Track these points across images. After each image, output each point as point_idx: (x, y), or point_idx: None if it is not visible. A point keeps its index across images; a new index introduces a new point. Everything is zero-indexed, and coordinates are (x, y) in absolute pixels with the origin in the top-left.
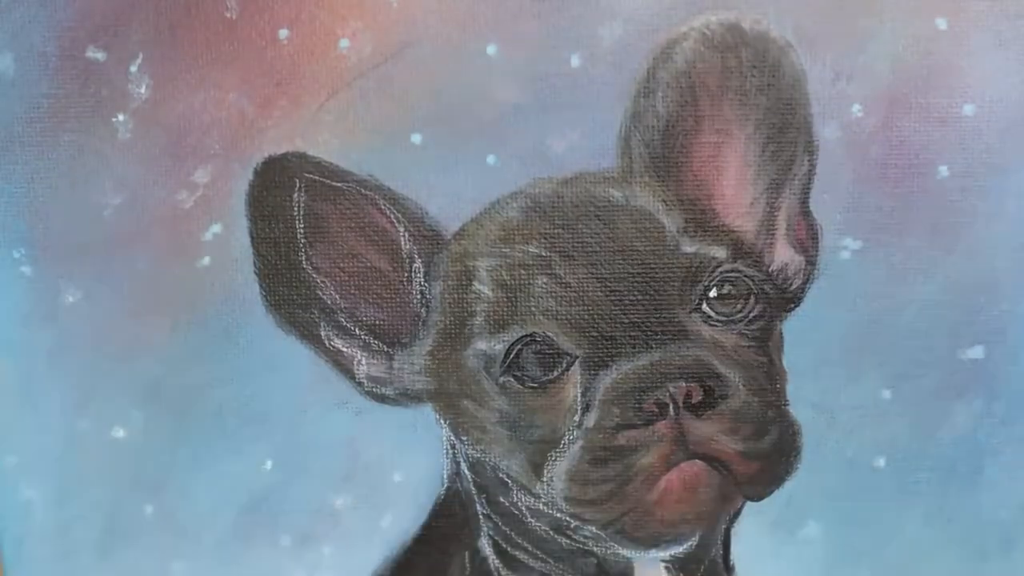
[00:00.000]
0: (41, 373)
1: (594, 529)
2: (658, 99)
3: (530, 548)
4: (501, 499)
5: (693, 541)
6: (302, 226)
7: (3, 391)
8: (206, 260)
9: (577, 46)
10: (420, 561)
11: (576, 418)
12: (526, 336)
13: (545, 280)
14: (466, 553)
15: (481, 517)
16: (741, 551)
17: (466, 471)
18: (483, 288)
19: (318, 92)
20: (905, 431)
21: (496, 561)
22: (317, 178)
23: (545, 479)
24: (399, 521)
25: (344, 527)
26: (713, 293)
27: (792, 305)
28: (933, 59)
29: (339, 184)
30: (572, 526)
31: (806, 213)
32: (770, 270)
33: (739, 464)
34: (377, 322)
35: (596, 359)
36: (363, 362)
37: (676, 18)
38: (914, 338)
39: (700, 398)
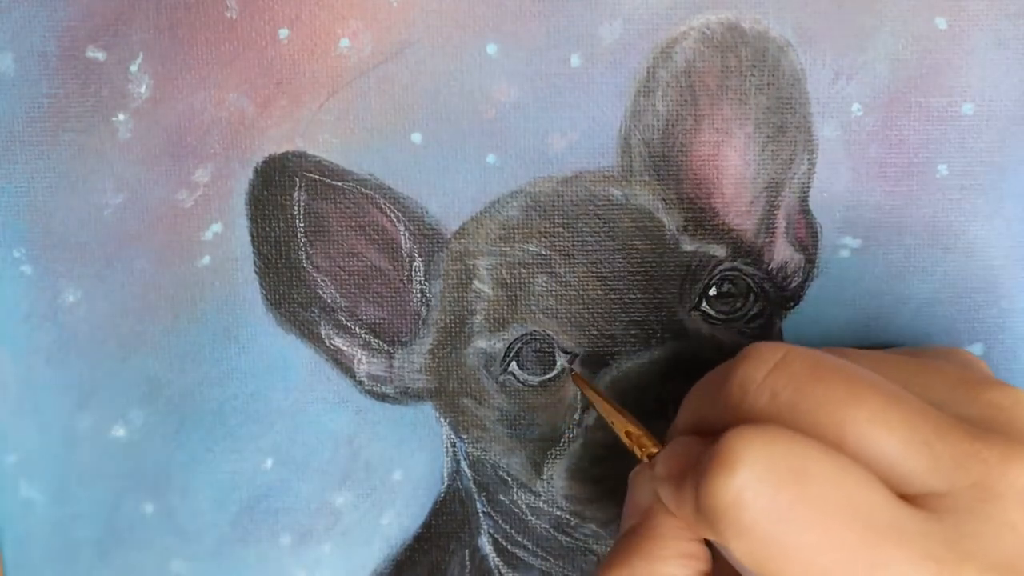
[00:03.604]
0: (41, 372)
1: (595, 527)
2: (658, 98)
3: (530, 546)
4: (501, 497)
5: None
6: (302, 225)
7: (3, 390)
8: (206, 259)
9: (577, 46)
10: (420, 559)
11: (576, 416)
12: (526, 334)
13: (545, 279)
14: (466, 551)
15: (481, 515)
16: None
17: (466, 469)
18: (483, 287)
19: (318, 92)
20: None
21: (496, 559)
22: (317, 177)
23: (545, 477)
24: (399, 519)
25: (344, 525)
26: (713, 291)
27: (791, 304)
28: (932, 58)
29: (339, 183)
30: (572, 524)
31: (805, 212)
32: (769, 269)
33: None
34: (377, 321)
35: (596, 357)
36: (363, 361)
37: (676, 17)
38: (913, 336)
39: None
